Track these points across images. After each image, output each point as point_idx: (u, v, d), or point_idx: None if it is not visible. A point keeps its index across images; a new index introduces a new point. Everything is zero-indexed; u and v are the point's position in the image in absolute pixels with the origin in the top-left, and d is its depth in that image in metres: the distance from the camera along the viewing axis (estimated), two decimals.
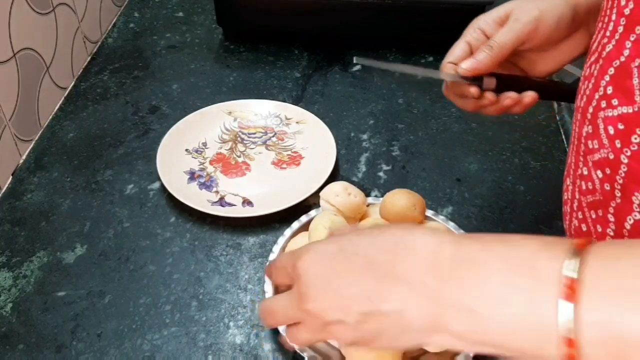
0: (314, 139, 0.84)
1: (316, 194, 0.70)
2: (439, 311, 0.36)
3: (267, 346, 0.61)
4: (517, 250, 0.35)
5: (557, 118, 0.88)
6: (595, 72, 0.50)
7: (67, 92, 0.94)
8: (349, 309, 0.39)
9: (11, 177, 0.80)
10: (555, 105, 0.90)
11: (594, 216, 0.51)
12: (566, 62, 0.59)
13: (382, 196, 0.70)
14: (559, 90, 0.62)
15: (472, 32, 0.58)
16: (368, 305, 0.38)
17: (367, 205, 0.68)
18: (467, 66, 0.56)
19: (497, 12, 0.58)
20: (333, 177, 0.77)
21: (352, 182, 0.73)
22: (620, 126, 0.46)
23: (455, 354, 0.57)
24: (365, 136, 0.86)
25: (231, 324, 0.63)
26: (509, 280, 0.34)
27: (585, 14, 0.57)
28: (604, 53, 0.48)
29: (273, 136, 0.85)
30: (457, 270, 0.36)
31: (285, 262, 0.44)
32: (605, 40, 0.48)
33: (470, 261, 0.36)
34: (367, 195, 0.76)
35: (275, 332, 0.61)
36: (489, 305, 0.34)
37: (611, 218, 0.48)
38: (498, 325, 0.34)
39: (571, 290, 0.31)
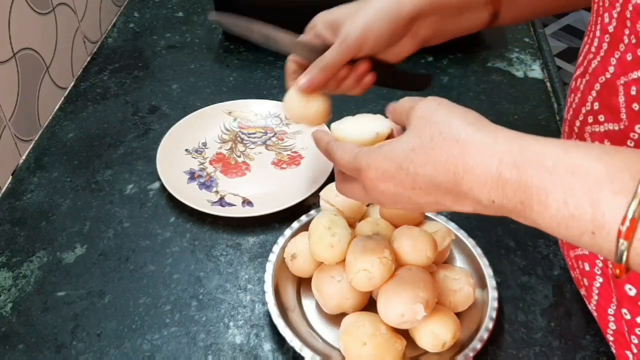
0: None
1: (316, 194, 0.70)
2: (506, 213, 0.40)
3: (267, 346, 0.61)
4: (583, 180, 0.35)
5: (557, 118, 0.88)
6: (582, 86, 0.50)
7: (67, 92, 0.94)
8: (421, 209, 0.45)
9: (11, 177, 0.80)
10: (555, 105, 0.90)
11: None
12: (405, 55, 0.61)
13: None
14: (403, 79, 0.65)
15: (311, 36, 0.61)
16: (439, 207, 0.44)
17: (367, 205, 0.68)
18: (303, 85, 0.59)
19: (333, 17, 0.59)
20: (333, 177, 0.77)
21: None
22: (607, 143, 0.46)
23: (455, 353, 0.57)
24: None
25: (231, 324, 0.63)
26: (570, 211, 0.35)
27: (408, 24, 0.57)
28: (590, 68, 0.49)
29: (273, 136, 0.85)
30: (522, 196, 0.38)
31: (346, 165, 0.47)
32: (591, 55, 0.49)
33: (534, 189, 0.37)
34: None
35: (275, 332, 0.61)
36: (553, 229, 0.37)
37: None
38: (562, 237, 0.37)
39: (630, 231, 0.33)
